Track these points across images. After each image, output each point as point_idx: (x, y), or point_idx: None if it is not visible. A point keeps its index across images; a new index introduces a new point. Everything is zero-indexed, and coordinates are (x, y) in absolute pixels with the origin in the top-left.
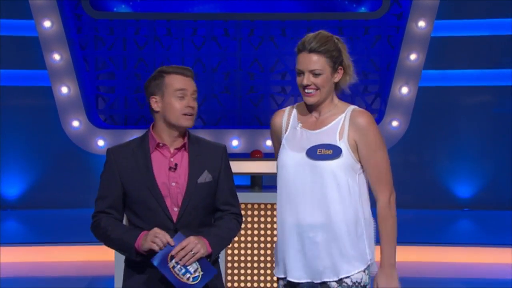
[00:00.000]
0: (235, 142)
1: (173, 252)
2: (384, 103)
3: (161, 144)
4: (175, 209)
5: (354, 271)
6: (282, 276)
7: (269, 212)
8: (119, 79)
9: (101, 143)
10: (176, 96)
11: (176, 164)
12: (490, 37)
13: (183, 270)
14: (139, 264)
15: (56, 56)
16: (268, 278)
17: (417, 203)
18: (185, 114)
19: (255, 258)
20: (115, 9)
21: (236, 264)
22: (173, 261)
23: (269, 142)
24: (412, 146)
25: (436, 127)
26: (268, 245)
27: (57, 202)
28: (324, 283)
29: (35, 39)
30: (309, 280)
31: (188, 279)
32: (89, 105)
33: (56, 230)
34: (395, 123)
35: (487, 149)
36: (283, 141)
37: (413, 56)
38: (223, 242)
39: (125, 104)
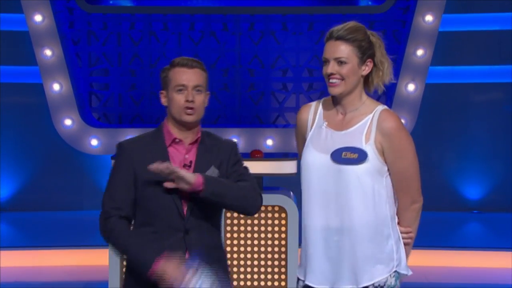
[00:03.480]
0: None
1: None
2: (389, 100)
3: (177, 140)
4: (186, 208)
5: (377, 278)
6: (303, 278)
7: (269, 215)
8: (113, 75)
9: (94, 142)
10: (176, 90)
11: (191, 161)
12: (500, 32)
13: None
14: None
15: (48, 52)
16: (269, 283)
17: (424, 205)
18: (186, 108)
19: (255, 263)
20: (110, 2)
21: (235, 269)
22: None
23: (269, 142)
24: (419, 146)
25: (444, 125)
26: (269, 249)
27: (48, 204)
28: None
29: (26, 34)
30: (328, 287)
31: None
32: (82, 103)
33: (48, 233)
34: None
35: (497, 148)
36: (308, 140)
37: (420, 52)
38: (221, 187)
39: (120, 102)
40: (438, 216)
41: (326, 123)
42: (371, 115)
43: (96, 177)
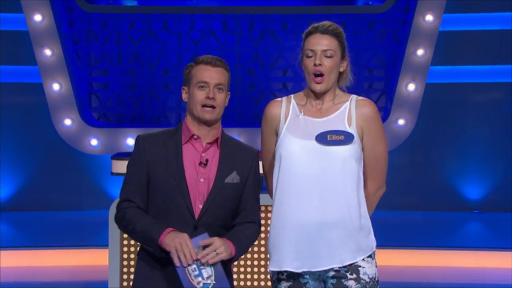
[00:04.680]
0: None
1: (201, 244)
2: (389, 100)
3: (195, 137)
4: (200, 206)
5: (362, 256)
6: (277, 269)
7: (269, 215)
8: (113, 75)
9: (94, 142)
10: (198, 86)
11: (207, 160)
12: (500, 32)
13: (196, 272)
14: (152, 261)
15: (47, 52)
16: (269, 283)
17: (425, 205)
18: (204, 106)
19: (255, 263)
20: (108, 2)
21: (235, 269)
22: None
23: None
24: (419, 146)
25: (444, 125)
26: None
27: (48, 204)
28: (339, 281)
29: (25, 33)
30: (306, 269)
31: (198, 283)
32: (82, 103)
33: (47, 233)
34: (401, 122)
35: (498, 148)
36: (284, 131)
37: (420, 52)
38: (244, 249)
39: (119, 102)
40: (439, 216)
41: (303, 112)
42: (348, 103)
43: (96, 177)
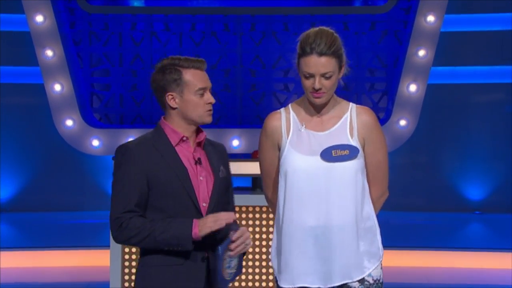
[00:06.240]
0: (235, 142)
1: (233, 238)
2: (391, 101)
3: (184, 138)
4: (204, 204)
5: (370, 268)
6: (290, 286)
7: (271, 216)
8: (115, 76)
9: (95, 143)
10: (198, 94)
11: (199, 158)
12: (502, 32)
13: (227, 264)
14: (156, 264)
15: (49, 52)
16: (270, 284)
17: (426, 206)
18: (209, 110)
19: (256, 263)
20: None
21: None
22: (229, 253)
23: None
24: (420, 147)
25: (446, 126)
26: (270, 249)
27: (49, 205)
28: (342, 285)
29: (27, 34)
30: (321, 286)
31: (226, 274)
32: (83, 104)
33: (48, 234)
34: (402, 122)
35: (499, 149)
36: (287, 145)
37: (421, 52)
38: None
39: (121, 103)
40: (440, 217)
41: (305, 125)
42: (348, 113)
43: (97, 177)
